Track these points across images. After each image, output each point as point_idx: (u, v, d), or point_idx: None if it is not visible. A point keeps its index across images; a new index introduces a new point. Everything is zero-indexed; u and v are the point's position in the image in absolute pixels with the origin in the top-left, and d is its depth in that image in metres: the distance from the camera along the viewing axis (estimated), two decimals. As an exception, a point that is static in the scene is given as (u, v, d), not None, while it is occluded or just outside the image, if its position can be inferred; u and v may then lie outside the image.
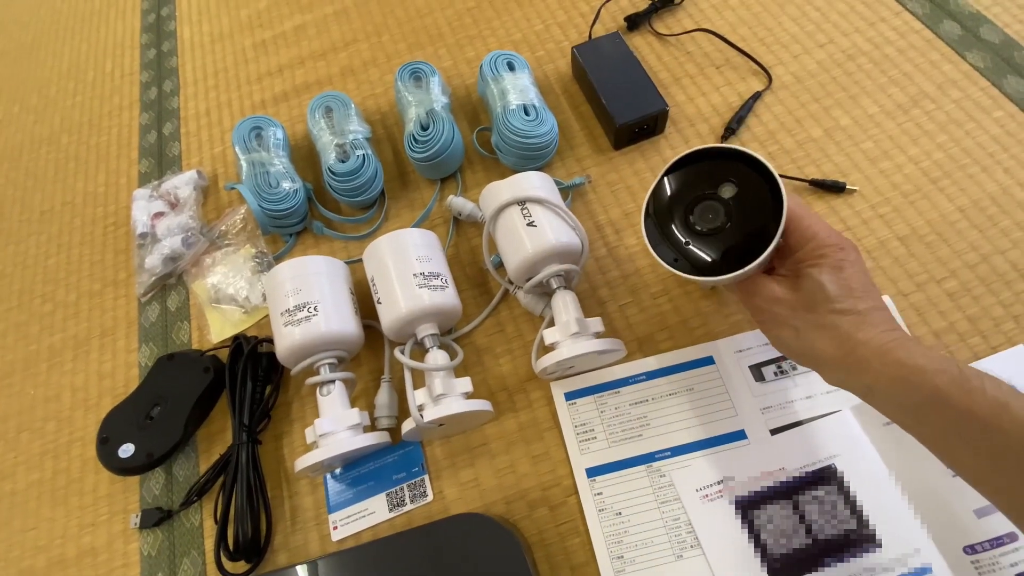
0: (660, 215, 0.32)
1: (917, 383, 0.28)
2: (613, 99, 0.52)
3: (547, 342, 0.41)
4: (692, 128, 0.53)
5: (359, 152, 0.52)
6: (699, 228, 0.30)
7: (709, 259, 0.30)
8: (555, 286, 0.43)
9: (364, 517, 0.42)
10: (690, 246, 0.31)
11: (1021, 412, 0.25)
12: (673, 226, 0.31)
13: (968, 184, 0.46)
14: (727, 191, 0.30)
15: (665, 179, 0.32)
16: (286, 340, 0.42)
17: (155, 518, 0.44)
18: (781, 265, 0.34)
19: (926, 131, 0.49)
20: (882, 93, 0.51)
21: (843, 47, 0.54)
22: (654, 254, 0.32)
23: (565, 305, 0.42)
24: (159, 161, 0.64)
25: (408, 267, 0.43)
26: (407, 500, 0.42)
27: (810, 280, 0.31)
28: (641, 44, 0.59)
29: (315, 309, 0.42)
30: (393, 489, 0.43)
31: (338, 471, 0.44)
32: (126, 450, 0.44)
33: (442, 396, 0.40)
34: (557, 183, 0.49)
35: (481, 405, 0.40)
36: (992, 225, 0.44)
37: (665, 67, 0.57)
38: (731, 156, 0.30)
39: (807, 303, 0.31)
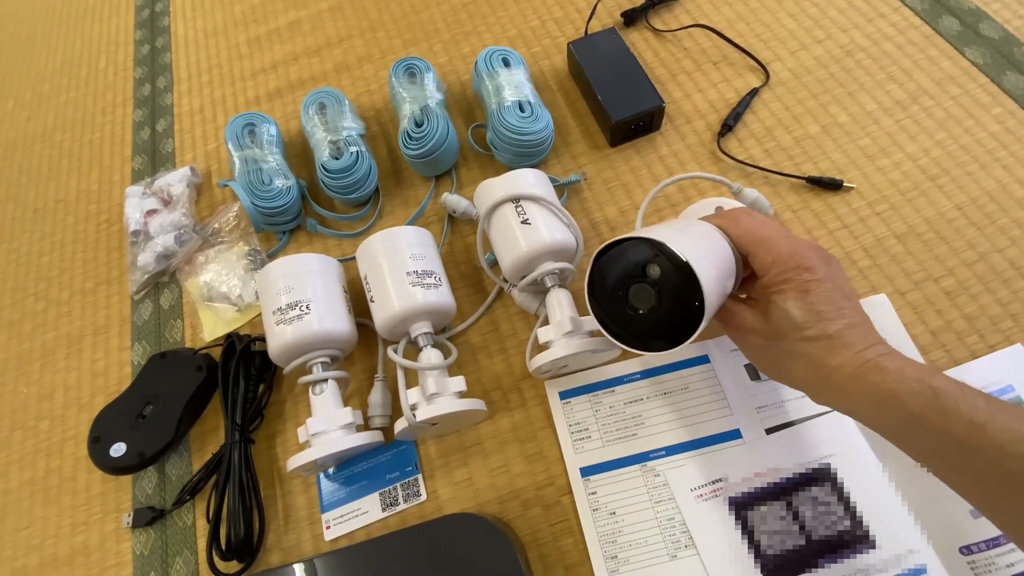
0: (603, 300, 0.32)
1: (892, 407, 0.27)
2: (609, 95, 0.51)
3: (541, 341, 0.41)
4: (689, 125, 0.53)
5: (353, 149, 0.52)
6: (636, 308, 0.31)
7: (652, 336, 0.30)
8: (550, 284, 0.42)
9: (357, 516, 0.42)
10: (631, 325, 0.31)
11: (998, 434, 0.25)
12: (615, 308, 0.32)
13: (966, 181, 0.46)
14: (654, 271, 0.30)
15: (600, 263, 0.32)
16: (278, 339, 0.42)
17: (147, 517, 0.44)
18: (752, 290, 0.34)
19: (924, 128, 0.48)
20: (880, 89, 0.51)
21: (841, 43, 0.54)
22: (608, 336, 0.32)
23: (559, 303, 0.41)
24: (152, 158, 0.64)
25: (402, 265, 0.43)
26: (400, 499, 0.42)
27: (776, 308, 0.31)
28: (638, 40, 0.59)
29: (307, 307, 0.42)
30: (386, 488, 0.42)
31: (331, 470, 0.44)
32: (118, 449, 0.44)
33: (435, 395, 0.39)
34: (553, 180, 0.49)
35: (474, 404, 0.40)
36: (990, 223, 0.44)
37: (662, 63, 0.57)
38: (644, 242, 0.30)
39: (777, 332, 0.31)
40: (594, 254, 0.32)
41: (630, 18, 0.60)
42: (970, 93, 0.49)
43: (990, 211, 0.44)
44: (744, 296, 0.35)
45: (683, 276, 0.28)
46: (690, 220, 0.35)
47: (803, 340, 0.30)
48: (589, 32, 0.59)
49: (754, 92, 0.53)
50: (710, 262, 0.30)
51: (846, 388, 0.29)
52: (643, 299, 0.30)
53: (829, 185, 0.47)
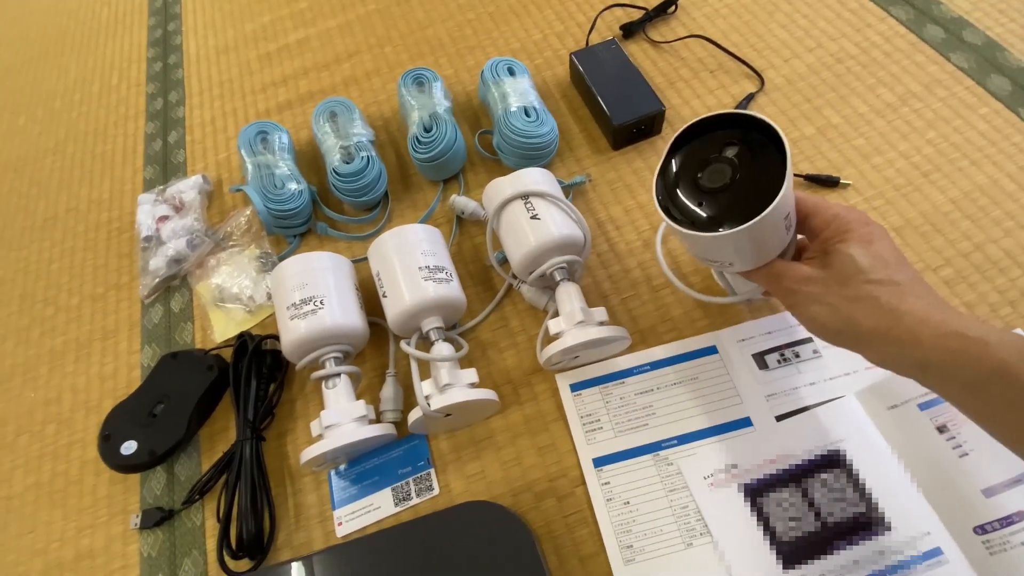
0: (671, 180, 0.33)
1: (978, 355, 0.26)
2: (611, 101, 0.53)
3: (552, 332, 0.41)
4: (688, 129, 0.55)
5: (363, 154, 0.53)
6: (708, 187, 0.31)
7: (723, 218, 0.31)
8: (559, 278, 0.43)
9: (369, 512, 0.42)
10: (702, 206, 0.31)
11: None
12: (683, 190, 0.32)
13: (958, 177, 0.47)
14: (731, 152, 0.31)
15: (673, 150, 0.33)
16: (292, 333, 0.42)
17: (156, 518, 0.44)
18: (808, 249, 0.34)
19: (915, 128, 0.50)
20: (871, 93, 0.53)
21: (831, 51, 0.56)
22: (665, 217, 0.32)
23: (569, 295, 0.42)
24: (164, 168, 0.65)
25: (413, 261, 0.43)
26: (413, 494, 0.42)
27: (840, 255, 0.30)
28: (637, 51, 0.61)
29: (321, 303, 0.43)
30: (399, 483, 0.42)
31: (343, 467, 0.44)
32: (128, 447, 0.44)
33: (448, 386, 0.40)
34: (558, 182, 0.50)
35: (487, 394, 0.40)
36: (984, 215, 0.45)
37: (660, 72, 0.59)
38: (731, 122, 0.31)
39: (840, 278, 0.30)
40: (670, 141, 0.33)
41: (629, 31, 0.62)
42: (957, 95, 0.51)
43: (983, 204, 0.46)
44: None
45: (770, 153, 0.29)
46: None
47: (869, 283, 0.29)
48: (590, 44, 0.62)
49: (750, 97, 0.55)
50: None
51: (920, 334, 0.27)
52: (716, 178, 0.31)
53: (827, 182, 0.48)
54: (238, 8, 0.78)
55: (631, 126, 0.53)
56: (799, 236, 0.35)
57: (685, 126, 0.33)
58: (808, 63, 0.56)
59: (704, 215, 0.31)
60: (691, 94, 0.57)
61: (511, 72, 0.56)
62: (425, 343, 0.43)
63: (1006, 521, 0.34)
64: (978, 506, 0.35)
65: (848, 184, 0.48)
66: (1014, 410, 0.26)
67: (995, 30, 0.54)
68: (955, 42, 0.54)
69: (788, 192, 0.29)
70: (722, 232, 0.30)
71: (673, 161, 0.33)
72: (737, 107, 0.54)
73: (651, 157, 0.54)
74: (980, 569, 0.33)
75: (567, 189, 0.52)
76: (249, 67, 0.71)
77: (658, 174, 0.33)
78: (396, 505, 0.42)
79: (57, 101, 0.76)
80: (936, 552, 0.34)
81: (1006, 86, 0.51)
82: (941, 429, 0.37)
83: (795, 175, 0.49)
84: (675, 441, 0.41)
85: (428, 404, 0.39)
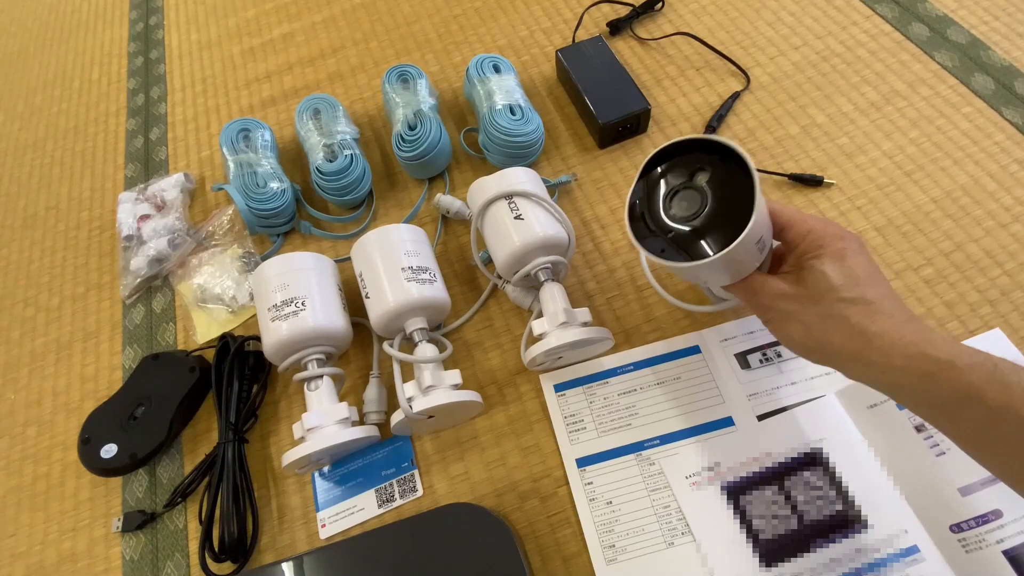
0: (643, 210, 0.33)
1: (947, 379, 0.26)
2: (597, 99, 0.53)
3: (535, 332, 0.41)
4: (674, 127, 0.55)
5: (347, 152, 0.53)
6: (679, 216, 0.31)
7: (694, 245, 0.31)
8: (543, 278, 0.43)
9: (353, 514, 0.42)
10: (672, 236, 0.31)
11: None
12: (656, 218, 0.32)
13: (940, 176, 0.48)
14: (701, 178, 0.31)
15: (643, 176, 0.33)
16: (273, 335, 0.42)
17: (138, 521, 0.43)
18: (783, 264, 0.34)
19: (899, 127, 0.50)
20: (855, 92, 0.53)
21: (817, 49, 0.56)
22: (639, 247, 0.32)
23: (553, 296, 0.42)
24: (146, 166, 0.64)
25: (396, 261, 0.43)
26: (397, 495, 0.42)
27: (812, 272, 0.30)
28: (623, 48, 0.61)
29: (302, 304, 0.42)
30: (382, 485, 0.42)
31: (326, 469, 0.44)
32: (108, 450, 0.43)
33: (431, 388, 0.40)
34: (544, 181, 0.50)
35: (470, 396, 0.40)
36: (965, 215, 0.46)
37: (647, 69, 0.59)
38: (700, 147, 0.31)
39: (813, 296, 0.30)
40: (641, 167, 0.33)
41: (615, 27, 0.62)
42: (940, 94, 0.51)
43: (964, 203, 0.46)
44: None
45: (739, 174, 0.29)
46: None
47: (841, 302, 0.29)
48: (576, 41, 0.61)
49: (736, 96, 0.54)
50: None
51: (890, 357, 0.27)
52: (687, 206, 0.31)
53: (810, 181, 0.48)
54: (221, 2, 0.77)
55: (617, 124, 0.52)
56: (777, 243, 0.35)
57: (655, 151, 0.32)
58: (794, 61, 0.56)
59: (675, 243, 0.31)
60: (677, 92, 0.57)
61: (497, 69, 0.55)
62: (409, 344, 0.43)
63: (982, 519, 0.35)
64: (955, 505, 0.35)
65: (832, 183, 0.48)
66: (986, 433, 0.26)
67: (979, 28, 0.54)
68: (939, 40, 0.54)
69: (759, 220, 0.29)
70: (692, 263, 0.30)
71: (643, 187, 0.33)
72: (722, 106, 0.54)
73: (637, 155, 0.54)
74: (956, 567, 0.34)
75: (552, 188, 0.52)
76: (232, 62, 0.70)
77: (629, 201, 0.33)
78: (380, 507, 0.41)
79: (37, 97, 0.75)
80: (913, 550, 0.35)
81: (989, 85, 0.51)
82: (919, 428, 0.38)
83: (779, 174, 0.49)
84: (658, 441, 0.41)
85: (411, 406, 0.38)
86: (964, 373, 0.25)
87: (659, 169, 0.33)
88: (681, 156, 0.32)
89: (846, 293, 0.29)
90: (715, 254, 0.29)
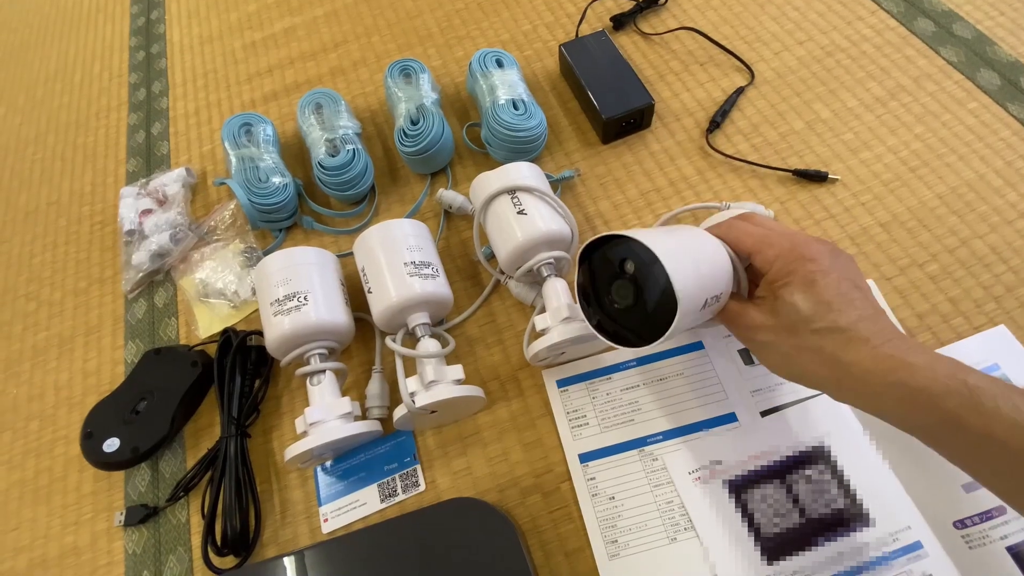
0: (590, 292, 0.34)
1: (925, 407, 0.26)
2: (600, 94, 0.52)
3: (538, 328, 0.41)
4: (678, 122, 0.54)
5: (349, 147, 0.52)
6: (619, 306, 0.32)
7: (643, 326, 0.31)
8: (546, 274, 0.43)
9: (355, 508, 0.42)
10: (618, 321, 0.33)
11: None
12: (602, 304, 0.33)
13: (946, 172, 0.47)
14: (629, 267, 0.31)
15: (583, 262, 0.34)
16: (276, 330, 0.42)
17: (140, 515, 0.43)
18: (758, 288, 0.33)
19: (904, 122, 0.50)
20: (860, 87, 0.53)
21: (822, 44, 0.56)
22: (598, 335, 0.33)
23: (556, 292, 0.42)
24: (147, 160, 0.64)
25: (399, 256, 0.43)
26: (399, 490, 0.42)
27: (783, 304, 0.30)
28: (627, 43, 0.61)
29: (305, 298, 0.42)
30: (385, 480, 0.42)
31: (328, 463, 0.44)
32: (111, 444, 0.43)
33: (434, 382, 0.40)
34: (547, 176, 0.49)
35: (473, 391, 0.40)
36: (970, 211, 0.45)
37: (650, 64, 0.58)
38: (620, 240, 0.31)
39: (787, 327, 0.30)
40: (578, 252, 0.33)
41: (619, 22, 0.61)
42: (946, 89, 0.51)
43: (970, 199, 0.46)
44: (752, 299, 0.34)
45: (654, 271, 0.29)
46: (685, 227, 0.36)
47: (814, 333, 0.28)
48: (579, 35, 0.61)
49: (740, 91, 0.54)
50: (689, 259, 0.30)
51: (869, 385, 0.27)
52: (623, 295, 0.31)
53: (815, 177, 0.48)
54: (223, -4, 0.77)
55: (620, 119, 0.52)
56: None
57: (584, 244, 0.33)
58: (798, 56, 0.56)
59: (624, 328, 0.33)
60: (681, 87, 0.56)
61: (500, 64, 0.55)
62: (411, 339, 0.43)
63: (985, 516, 0.35)
64: (958, 501, 0.35)
65: (836, 179, 0.48)
66: (969, 456, 0.26)
67: (985, 23, 0.54)
68: (945, 36, 0.54)
69: (689, 297, 0.29)
70: (641, 348, 0.31)
71: (588, 272, 0.34)
72: (726, 101, 0.53)
73: (641, 151, 0.54)
74: (959, 563, 0.34)
75: (556, 184, 0.52)
76: (234, 56, 0.70)
77: (578, 284, 0.34)
78: (382, 501, 0.41)
79: (38, 90, 0.74)
80: (916, 546, 0.35)
81: (995, 80, 0.51)
82: (923, 425, 0.38)
83: (783, 170, 0.49)
84: (660, 437, 0.41)
85: (413, 401, 0.38)
86: (941, 400, 0.25)
87: (595, 256, 0.33)
88: (610, 246, 0.32)
89: (818, 324, 0.29)
90: (658, 339, 0.30)
